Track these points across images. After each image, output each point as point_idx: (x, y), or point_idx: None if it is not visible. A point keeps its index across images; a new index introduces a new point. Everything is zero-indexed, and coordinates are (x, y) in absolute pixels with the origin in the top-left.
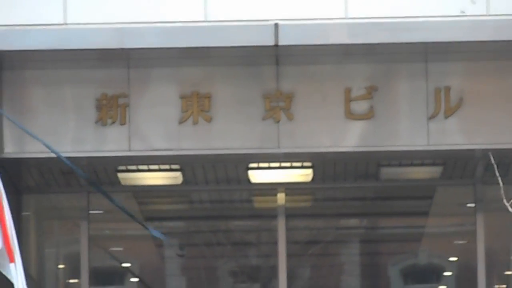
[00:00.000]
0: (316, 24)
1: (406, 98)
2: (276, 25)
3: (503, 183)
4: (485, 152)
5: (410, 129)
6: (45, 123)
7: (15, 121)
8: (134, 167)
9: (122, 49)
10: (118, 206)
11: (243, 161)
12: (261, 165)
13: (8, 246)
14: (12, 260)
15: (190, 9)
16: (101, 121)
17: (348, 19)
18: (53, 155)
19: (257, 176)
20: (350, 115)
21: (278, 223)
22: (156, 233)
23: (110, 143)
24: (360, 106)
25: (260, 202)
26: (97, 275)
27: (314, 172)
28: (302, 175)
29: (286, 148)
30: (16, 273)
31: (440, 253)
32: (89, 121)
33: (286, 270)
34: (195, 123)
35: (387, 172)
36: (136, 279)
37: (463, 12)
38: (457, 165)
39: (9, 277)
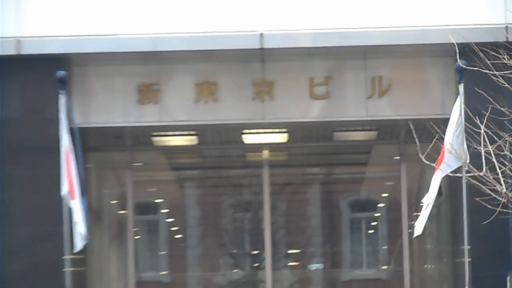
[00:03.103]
0: (289, 33)
1: (351, 84)
2: (261, 34)
3: (419, 142)
4: (406, 121)
5: (354, 105)
6: (102, 103)
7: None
8: (163, 133)
9: (155, 51)
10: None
11: (239, 128)
12: (252, 131)
13: (71, 187)
14: (73, 197)
15: (202, 22)
16: (140, 101)
17: (310, 30)
18: (108, 125)
19: (248, 138)
20: (313, 96)
21: (263, 171)
22: None
23: (147, 116)
24: (320, 90)
25: (251, 156)
26: (138, 208)
27: (288, 135)
28: (280, 137)
29: (269, 119)
30: (75, 207)
31: (376, 191)
32: (132, 101)
33: (270, 204)
34: (206, 102)
35: (339, 135)
36: (166, 210)
37: (391, 24)
38: (387, 130)
39: (72, 209)
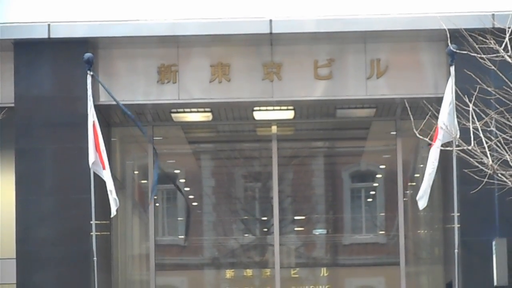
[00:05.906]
0: (295, 19)
1: (352, 66)
2: (270, 20)
3: (413, 119)
4: (402, 99)
5: (355, 85)
6: (125, 82)
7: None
8: (181, 110)
9: (174, 36)
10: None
11: (250, 106)
12: (261, 108)
13: (101, 158)
14: (104, 167)
15: (216, 9)
16: (160, 81)
17: (315, 16)
18: (130, 102)
19: (258, 115)
20: (317, 76)
21: (272, 144)
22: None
23: (166, 94)
24: (323, 71)
25: (261, 131)
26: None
27: (295, 112)
28: (287, 114)
29: (277, 97)
30: (107, 176)
31: (374, 163)
32: (153, 81)
33: (278, 174)
34: (220, 82)
35: (341, 112)
36: (183, 180)
37: (389, 11)
38: (385, 108)
39: (104, 178)
